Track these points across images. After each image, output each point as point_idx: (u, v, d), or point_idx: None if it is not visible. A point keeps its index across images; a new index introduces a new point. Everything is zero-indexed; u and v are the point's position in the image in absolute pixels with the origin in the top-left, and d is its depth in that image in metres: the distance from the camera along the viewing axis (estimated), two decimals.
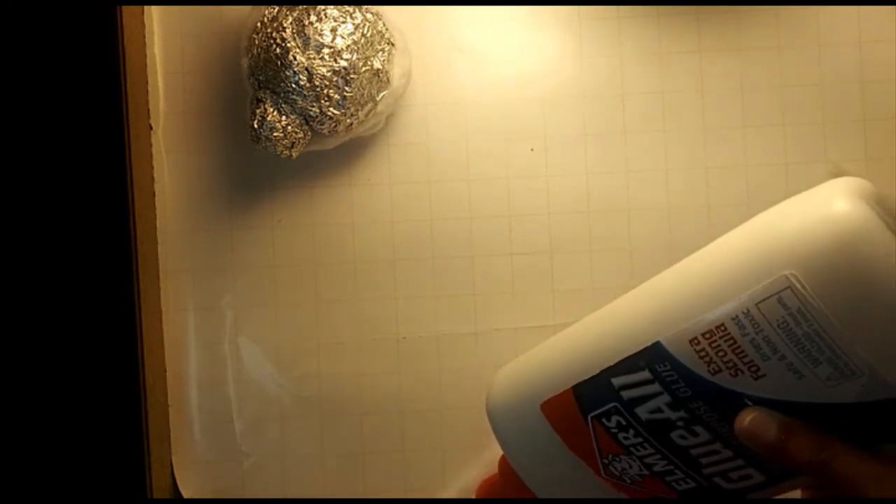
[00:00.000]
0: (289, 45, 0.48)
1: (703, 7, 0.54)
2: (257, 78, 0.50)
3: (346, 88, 0.48)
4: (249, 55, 0.50)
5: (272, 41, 0.48)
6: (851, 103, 0.53)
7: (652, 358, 0.36)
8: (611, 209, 0.54)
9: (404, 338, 0.54)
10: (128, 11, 0.52)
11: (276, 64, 0.48)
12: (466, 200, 0.54)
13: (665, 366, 0.36)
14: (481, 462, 0.54)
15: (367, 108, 0.50)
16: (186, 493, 0.53)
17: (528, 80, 0.54)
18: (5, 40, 0.50)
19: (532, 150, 0.54)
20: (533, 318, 0.54)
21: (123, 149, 0.51)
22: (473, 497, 0.52)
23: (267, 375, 0.54)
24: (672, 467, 0.38)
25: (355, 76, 0.48)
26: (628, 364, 0.37)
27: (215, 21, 0.54)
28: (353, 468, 0.54)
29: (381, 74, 0.50)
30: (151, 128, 0.54)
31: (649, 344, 0.37)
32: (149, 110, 0.54)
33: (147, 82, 0.54)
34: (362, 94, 0.49)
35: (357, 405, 0.54)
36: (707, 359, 0.35)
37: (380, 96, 0.50)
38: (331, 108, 0.49)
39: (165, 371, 0.54)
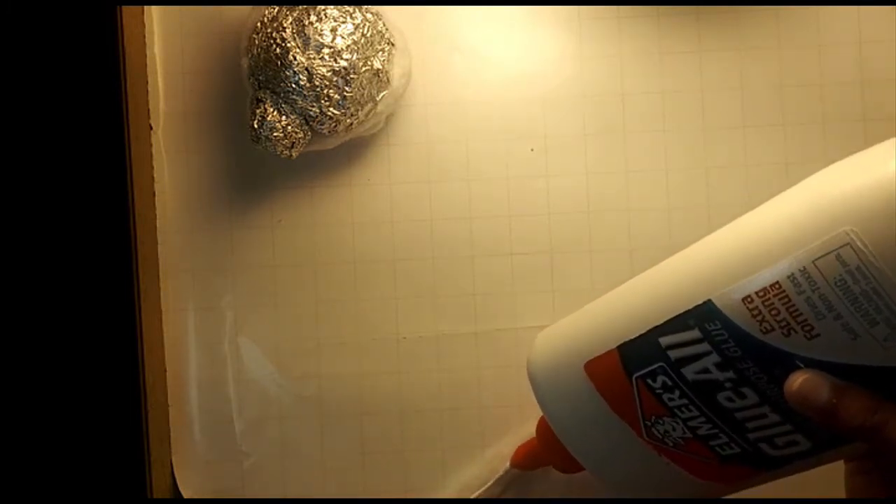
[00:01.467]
0: (289, 45, 0.48)
1: (703, 7, 0.54)
2: (257, 78, 0.50)
3: (346, 88, 0.48)
4: (249, 55, 0.50)
5: (272, 41, 0.48)
6: (851, 103, 0.53)
7: (702, 316, 0.36)
8: (611, 209, 0.54)
9: (404, 338, 0.54)
10: (128, 11, 0.52)
11: (276, 64, 0.48)
12: (466, 200, 0.54)
13: (715, 325, 0.35)
14: (482, 461, 0.54)
15: (367, 108, 0.50)
16: (186, 493, 0.53)
17: (528, 80, 0.54)
18: (5, 40, 0.50)
19: (532, 150, 0.54)
20: (533, 318, 0.54)
21: (123, 149, 0.51)
22: (509, 463, 0.52)
23: (267, 375, 0.54)
24: (717, 431, 0.37)
25: (355, 76, 0.48)
26: (677, 323, 0.37)
27: (215, 21, 0.54)
28: (353, 468, 0.54)
29: (381, 74, 0.50)
30: (151, 128, 0.54)
31: (700, 302, 0.36)
32: (149, 110, 0.54)
33: (147, 82, 0.54)
34: (362, 94, 0.49)
35: (357, 405, 0.54)
36: (759, 318, 0.34)
37: (380, 96, 0.50)
38: (331, 108, 0.49)
39: (165, 371, 0.54)
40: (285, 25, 0.48)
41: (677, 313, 0.37)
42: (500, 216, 0.54)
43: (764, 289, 0.34)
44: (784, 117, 0.54)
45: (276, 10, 0.50)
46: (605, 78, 0.54)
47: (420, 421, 0.54)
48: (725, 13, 0.54)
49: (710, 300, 0.36)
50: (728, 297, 0.35)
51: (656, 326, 0.38)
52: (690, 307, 0.36)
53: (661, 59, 0.54)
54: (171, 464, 0.54)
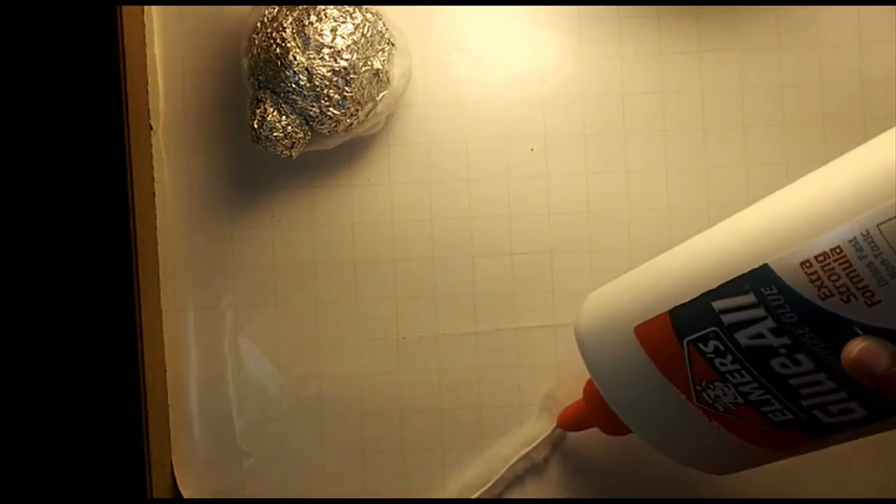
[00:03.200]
0: (289, 45, 0.48)
1: (703, 7, 0.54)
2: (257, 78, 0.50)
3: (346, 88, 0.48)
4: (249, 55, 0.50)
5: (272, 41, 0.48)
6: (851, 103, 0.53)
7: (758, 281, 0.35)
8: (611, 209, 0.54)
9: (404, 338, 0.54)
10: (128, 11, 0.52)
11: (276, 64, 0.48)
12: (466, 200, 0.54)
13: (771, 289, 0.35)
14: (482, 461, 0.54)
15: (367, 108, 0.50)
16: (186, 493, 0.53)
17: (528, 80, 0.54)
18: (5, 40, 0.50)
19: (532, 150, 0.54)
20: (533, 318, 0.54)
21: (123, 149, 0.51)
22: (556, 424, 0.52)
23: (267, 375, 0.54)
24: (769, 396, 0.37)
25: (355, 76, 0.48)
26: (732, 287, 0.36)
27: (215, 21, 0.54)
28: (353, 468, 0.54)
29: (381, 74, 0.50)
30: (151, 128, 0.54)
31: (756, 266, 0.35)
32: (149, 110, 0.54)
33: (147, 82, 0.54)
34: (362, 94, 0.49)
35: (357, 405, 0.54)
36: (818, 283, 0.33)
37: (380, 96, 0.50)
38: (331, 108, 0.49)
39: (165, 371, 0.54)
40: (285, 25, 0.48)
41: (732, 277, 0.36)
42: (500, 216, 0.54)
43: (824, 253, 0.33)
44: (784, 117, 0.54)
45: (276, 10, 0.50)
46: (605, 78, 0.54)
47: (420, 421, 0.54)
48: (725, 13, 0.54)
49: (766, 264, 0.35)
50: (786, 262, 0.34)
51: (710, 290, 0.37)
52: (746, 271, 0.35)
53: (661, 59, 0.54)
54: (171, 464, 0.54)
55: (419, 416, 0.54)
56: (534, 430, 0.53)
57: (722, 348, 0.37)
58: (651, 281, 0.42)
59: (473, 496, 0.53)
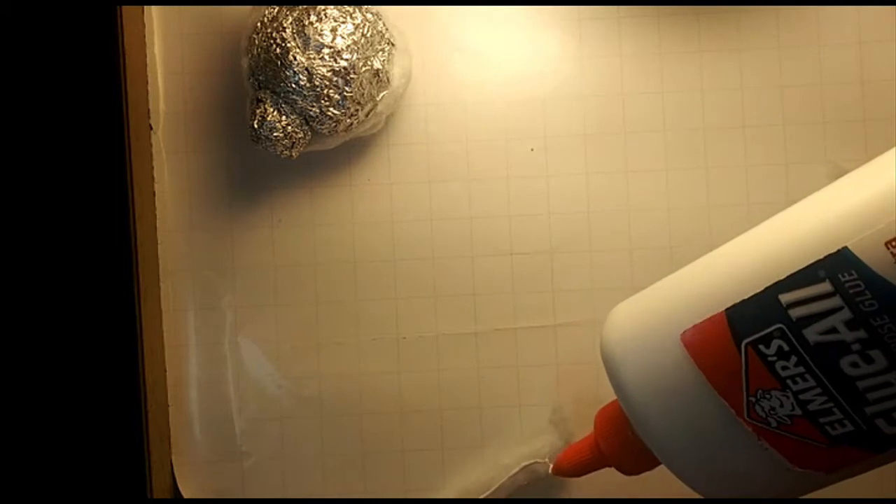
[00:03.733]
0: (289, 45, 0.48)
1: (703, 7, 0.54)
2: (257, 78, 0.50)
3: (346, 88, 0.48)
4: (249, 55, 0.50)
5: (272, 41, 0.48)
6: (851, 103, 0.53)
7: (835, 266, 0.32)
8: (611, 209, 0.54)
9: (404, 338, 0.54)
10: (128, 11, 0.52)
11: (276, 64, 0.48)
12: (466, 200, 0.54)
13: (851, 275, 0.32)
14: (481, 461, 0.54)
15: (367, 108, 0.50)
16: (186, 493, 0.53)
17: (528, 80, 0.54)
18: (5, 40, 0.50)
19: (532, 150, 0.54)
20: (533, 318, 0.54)
21: (123, 149, 0.51)
22: (551, 471, 0.47)
23: (267, 375, 0.54)
24: (831, 405, 0.34)
25: (355, 76, 0.48)
26: (804, 276, 0.33)
27: (215, 21, 0.54)
28: (353, 468, 0.54)
29: (381, 74, 0.50)
30: (151, 128, 0.54)
31: (833, 251, 0.32)
32: (149, 110, 0.54)
33: (147, 82, 0.54)
34: (362, 94, 0.49)
35: (357, 405, 0.54)
36: None
37: (380, 96, 0.50)
38: (331, 108, 0.49)
39: (165, 371, 0.54)
40: (285, 25, 0.48)
41: (805, 265, 0.33)
42: (500, 216, 0.54)
43: None
44: (784, 117, 0.54)
45: (276, 10, 0.50)
46: (605, 78, 0.54)
47: (420, 421, 0.54)
48: (725, 13, 0.54)
49: (846, 247, 0.32)
50: (868, 242, 0.32)
51: (777, 282, 0.34)
52: (821, 256, 0.33)
53: (661, 59, 0.54)
54: (171, 464, 0.54)
55: (419, 416, 0.54)
56: (538, 443, 0.53)
57: (786, 349, 0.34)
58: (704, 278, 0.38)
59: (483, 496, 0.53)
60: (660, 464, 0.39)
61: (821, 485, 0.37)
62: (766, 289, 0.34)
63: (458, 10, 0.54)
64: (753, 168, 0.54)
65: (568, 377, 0.53)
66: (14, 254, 0.51)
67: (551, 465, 0.47)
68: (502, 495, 0.53)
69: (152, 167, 0.54)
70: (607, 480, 0.53)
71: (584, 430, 0.53)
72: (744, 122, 0.54)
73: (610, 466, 0.43)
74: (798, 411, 0.34)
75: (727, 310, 0.35)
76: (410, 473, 0.54)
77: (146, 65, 0.54)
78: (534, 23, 0.54)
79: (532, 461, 0.52)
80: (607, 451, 0.42)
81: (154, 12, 0.54)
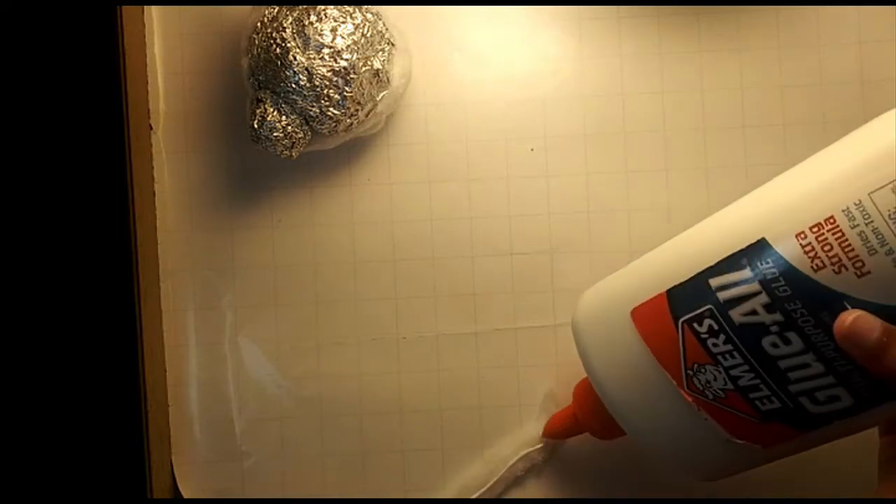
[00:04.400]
0: (289, 45, 0.48)
1: (703, 7, 0.54)
2: (257, 78, 0.50)
3: (346, 88, 0.48)
4: (249, 55, 0.50)
5: (272, 41, 0.48)
6: (851, 103, 0.53)
7: (755, 255, 0.36)
8: (611, 209, 0.54)
9: (404, 338, 0.54)
10: (128, 11, 0.52)
11: (276, 64, 0.48)
12: (466, 200, 0.54)
13: (767, 262, 0.36)
14: (482, 462, 0.54)
15: (367, 108, 0.50)
16: (186, 493, 0.53)
17: (528, 80, 0.54)
18: (5, 40, 0.50)
19: (532, 150, 0.54)
20: (533, 318, 0.54)
21: (123, 149, 0.51)
22: (542, 433, 0.52)
23: (267, 375, 0.54)
24: (758, 381, 0.37)
25: (355, 76, 0.48)
26: (729, 263, 0.37)
27: (215, 21, 0.54)
28: (353, 468, 0.54)
29: (381, 74, 0.50)
30: (151, 128, 0.54)
31: (754, 241, 0.36)
32: (149, 110, 0.54)
33: (147, 82, 0.54)
34: (362, 94, 0.49)
35: (357, 405, 0.54)
36: (812, 254, 0.35)
37: (380, 96, 0.50)
38: (331, 108, 0.49)
39: (165, 371, 0.54)
40: (285, 25, 0.48)
41: (730, 253, 0.37)
42: (500, 216, 0.54)
43: (818, 223, 0.35)
44: (784, 117, 0.54)
45: (276, 10, 0.50)
46: (605, 78, 0.54)
47: (420, 421, 0.54)
48: (725, 13, 0.54)
49: (763, 238, 0.36)
50: (782, 234, 0.36)
51: (708, 268, 0.38)
52: (744, 246, 0.37)
53: (661, 59, 0.54)
54: (171, 464, 0.54)
55: (419, 416, 0.54)
56: (533, 430, 0.53)
57: (716, 327, 0.37)
58: (651, 263, 0.43)
59: (473, 496, 0.53)
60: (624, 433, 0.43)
61: (764, 459, 0.41)
62: (699, 273, 0.38)
63: (458, 10, 0.54)
64: (753, 168, 0.54)
65: (568, 377, 0.53)
66: (14, 254, 0.51)
67: (542, 429, 0.52)
68: (501, 488, 0.53)
69: (152, 167, 0.54)
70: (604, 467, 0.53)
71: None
72: (744, 122, 0.54)
73: (585, 432, 0.49)
74: (730, 385, 0.38)
75: (668, 291, 0.39)
76: (410, 473, 0.54)
77: (146, 65, 0.54)
78: (534, 23, 0.54)
79: (528, 450, 0.52)
80: (582, 419, 0.48)
81: (154, 12, 0.54)
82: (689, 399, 0.39)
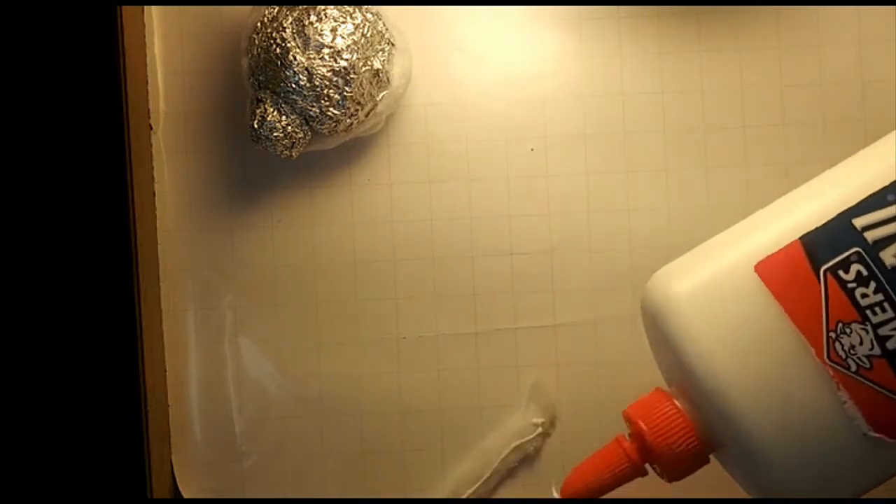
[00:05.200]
0: (289, 45, 0.48)
1: (703, 7, 0.54)
2: (257, 78, 0.50)
3: (346, 88, 0.48)
4: (249, 55, 0.50)
5: (272, 41, 0.48)
6: (851, 103, 0.53)
7: None
8: (611, 209, 0.54)
9: (404, 338, 0.54)
10: (128, 11, 0.52)
11: (276, 64, 0.48)
12: (466, 200, 0.54)
13: None
14: (471, 458, 0.53)
15: (367, 108, 0.50)
16: (186, 493, 0.53)
17: (528, 80, 0.54)
18: (5, 40, 0.50)
19: (532, 150, 0.54)
20: (533, 318, 0.54)
21: (123, 149, 0.51)
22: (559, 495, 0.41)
23: (267, 375, 0.54)
24: None
25: (355, 76, 0.48)
26: (874, 200, 0.34)
27: (215, 21, 0.54)
28: (353, 468, 0.54)
29: (381, 74, 0.50)
30: (151, 128, 0.54)
31: None
32: (149, 110, 0.54)
33: (147, 82, 0.54)
34: (362, 94, 0.49)
35: (357, 405, 0.54)
36: None
37: (380, 96, 0.50)
38: (331, 108, 0.49)
39: (165, 371, 0.54)
40: (285, 25, 0.48)
41: (874, 190, 0.35)
42: (500, 216, 0.54)
43: None
44: (784, 117, 0.54)
45: (276, 10, 0.50)
46: (605, 78, 0.54)
47: (420, 421, 0.54)
48: (725, 13, 0.54)
49: None
50: None
51: (849, 208, 0.35)
52: (887, 183, 0.34)
53: (661, 59, 0.54)
54: (171, 464, 0.54)
55: (419, 416, 0.54)
56: (524, 420, 0.53)
57: (865, 273, 0.34)
58: (768, 219, 0.38)
59: (468, 492, 0.53)
60: (707, 460, 0.38)
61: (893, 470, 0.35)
62: (839, 215, 0.35)
63: (458, 10, 0.54)
64: (753, 168, 0.54)
65: (568, 377, 0.53)
66: (14, 254, 0.51)
67: (557, 490, 0.41)
68: (496, 481, 0.53)
69: (152, 167, 0.54)
70: None
71: (568, 412, 0.53)
72: (744, 122, 0.54)
73: (647, 471, 0.40)
74: (877, 350, 0.34)
75: (802, 238, 0.35)
76: (410, 473, 0.54)
77: (146, 65, 0.54)
78: (534, 23, 0.54)
79: (520, 440, 0.52)
80: (655, 448, 0.38)
81: (154, 12, 0.54)
82: (830, 372, 0.34)
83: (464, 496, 0.53)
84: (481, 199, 0.54)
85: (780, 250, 0.35)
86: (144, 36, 0.54)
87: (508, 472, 0.53)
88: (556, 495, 0.40)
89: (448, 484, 0.53)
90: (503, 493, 0.54)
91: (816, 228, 0.35)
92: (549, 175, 0.54)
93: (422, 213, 0.54)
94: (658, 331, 0.38)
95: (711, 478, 0.50)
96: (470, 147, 0.54)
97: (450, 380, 0.54)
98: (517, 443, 0.53)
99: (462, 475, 0.53)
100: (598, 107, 0.54)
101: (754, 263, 0.36)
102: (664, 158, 0.54)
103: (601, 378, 0.53)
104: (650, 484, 0.53)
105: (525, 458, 0.53)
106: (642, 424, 0.39)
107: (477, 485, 0.53)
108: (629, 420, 0.40)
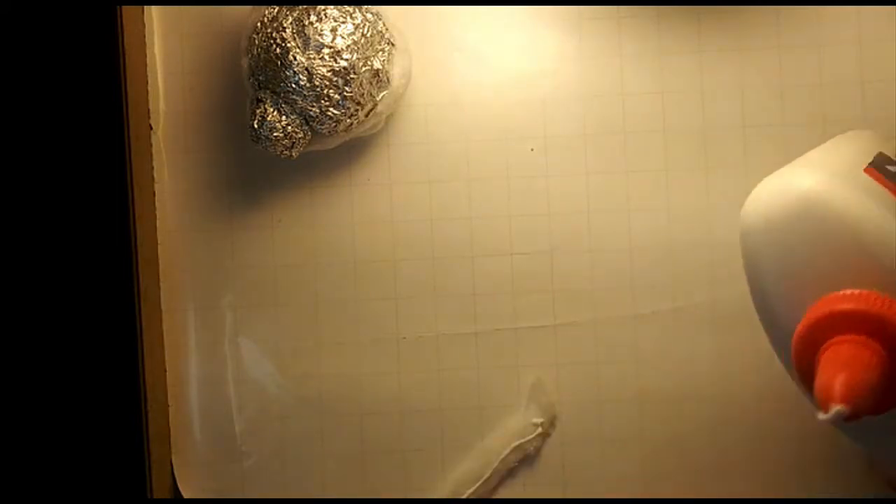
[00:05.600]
0: (289, 45, 0.48)
1: (703, 7, 0.54)
2: (257, 78, 0.50)
3: (346, 88, 0.48)
4: (249, 55, 0.50)
5: (272, 41, 0.48)
6: (851, 103, 0.53)
7: None
8: (611, 209, 0.54)
9: (404, 338, 0.54)
10: (128, 11, 0.52)
11: (276, 64, 0.48)
12: (466, 200, 0.54)
13: None
14: (472, 457, 0.53)
15: (367, 108, 0.50)
16: (186, 493, 0.53)
17: (528, 80, 0.54)
18: (5, 40, 0.50)
19: (532, 150, 0.54)
20: (533, 318, 0.54)
21: (123, 149, 0.51)
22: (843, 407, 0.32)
23: (267, 375, 0.54)
24: None
25: (355, 76, 0.48)
26: None
27: (215, 21, 0.54)
28: (353, 468, 0.54)
29: (381, 74, 0.50)
30: (151, 128, 0.54)
31: None
32: (149, 110, 0.54)
33: (147, 82, 0.54)
34: (362, 94, 0.49)
35: (357, 405, 0.54)
36: None
37: (380, 96, 0.50)
38: (331, 108, 0.49)
39: (165, 371, 0.54)
40: (285, 25, 0.48)
41: None
42: (500, 216, 0.54)
43: None
44: (784, 117, 0.54)
45: (276, 10, 0.50)
46: (605, 78, 0.54)
47: (420, 421, 0.54)
48: (725, 13, 0.54)
49: None
50: None
51: None
52: None
53: (661, 59, 0.54)
54: (171, 464, 0.54)
55: (419, 416, 0.54)
56: (524, 420, 0.53)
57: None
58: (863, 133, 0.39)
59: (468, 492, 0.53)
60: None
61: None
62: None
63: (458, 10, 0.54)
64: (753, 168, 0.54)
65: (568, 377, 0.53)
66: (14, 254, 0.51)
67: (841, 409, 0.32)
68: (496, 481, 0.53)
69: (152, 167, 0.54)
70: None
71: (568, 412, 0.53)
72: (744, 122, 0.54)
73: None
74: None
75: None
76: (410, 473, 0.54)
77: (146, 65, 0.54)
78: (534, 23, 0.54)
79: (520, 440, 0.52)
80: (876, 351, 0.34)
81: (154, 12, 0.54)
82: None
83: (464, 496, 0.53)
84: (481, 199, 0.54)
85: (881, 153, 0.37)
86: (144, 36, 0.54)
87: (508, 472, 0.53)
88: (820, 417, 0.33)
89: (448, 484, 0.53)
90: (503, 493, 0.54)
91: None
92: (549, 175, 0.54)
93: (422, 213, 0.54)
94: (828, 236, 0.37)
95: (712, 479, 0.50)
96: (470, 147, 0.54)
97: (450, 380, 0.54)
98: (517, 443, 0.53)
99: (462, 475, 0.53)
100: (598, 107, 0.54)
101: (864, 165, 0.38)
102: (664, 158, 0.54)
103: (601, 378, 0.53)
104: (650, 484, 0.53)
105: (525, 458, 0.53)
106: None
107: (477, 485, 0.53)
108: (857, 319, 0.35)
